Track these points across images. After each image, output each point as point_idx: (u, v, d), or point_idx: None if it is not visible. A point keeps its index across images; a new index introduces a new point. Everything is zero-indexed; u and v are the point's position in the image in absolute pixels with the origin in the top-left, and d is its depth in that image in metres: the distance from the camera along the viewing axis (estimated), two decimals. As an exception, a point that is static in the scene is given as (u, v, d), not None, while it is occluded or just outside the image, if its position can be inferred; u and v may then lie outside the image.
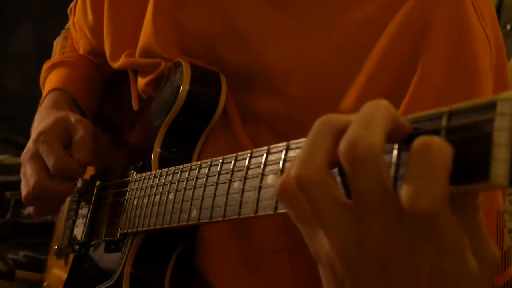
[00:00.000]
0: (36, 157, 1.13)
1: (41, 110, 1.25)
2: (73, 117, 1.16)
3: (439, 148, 0.45)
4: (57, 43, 1.46)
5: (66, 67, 1.35)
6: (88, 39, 1.28)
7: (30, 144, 1.15)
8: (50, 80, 1.33)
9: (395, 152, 0.49)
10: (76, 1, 1.35)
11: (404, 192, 0.46)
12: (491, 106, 0.43)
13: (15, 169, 2.15)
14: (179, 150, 1.00)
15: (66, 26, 1.48)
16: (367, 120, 0.48)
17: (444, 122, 0.46)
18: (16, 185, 2.01)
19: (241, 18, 0.97)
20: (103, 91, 1.36)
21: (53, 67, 1.36)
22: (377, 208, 0.48)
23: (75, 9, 1.35)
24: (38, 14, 2.86)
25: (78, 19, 1.30)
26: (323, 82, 0.90)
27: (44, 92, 1.31)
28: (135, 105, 1.17)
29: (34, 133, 1.16)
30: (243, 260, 0.96)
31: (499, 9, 1.90)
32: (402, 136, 0.49)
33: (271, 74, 0.93)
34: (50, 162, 1.10)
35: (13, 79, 2.89)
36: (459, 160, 0.44)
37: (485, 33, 0.86)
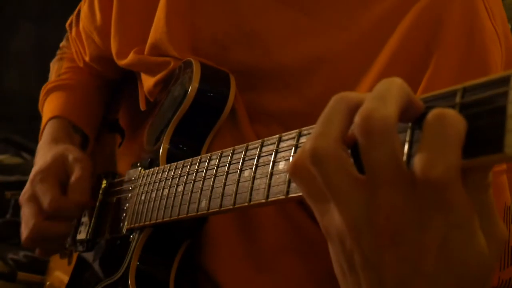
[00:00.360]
0: (33, 198, 1.14)
1: (41, 145, 1.26)
2: (71, 155, 1.17)
3: (453, 119, 0.47)
4: (53, 65, 1.46)
5: (62, 91, 1.35)
6: (96, 43, 1.28)
7: (27, 185, 1.17)
8: (48, 106, 1.34)
9: (409, 130, 0.50)
10: (78, 13, 1.35)
11: (418, 160, 0.47)
12: (505, 80, 0.44)
13: (15, 169, 2.16)
14: (187, 147, 1.01)
15: (60, 45, 1.48)
16: (381, 95, 0.49)
17: (458, 98, 0.47)
18: (16, 185, 2.02)
19: (256, 19, 0.98)
20: (105, 101, 1.37)
21: (49, 92, 1.37)
22: (388, 181, 0.49)
23: (76, 21, 1.35)
24: (38, 14, 2.86)
25: (84, 25, 1.30)
26: (338, 78, 0.91)
27: (43, 119, 1.32)
28: (142, 106, 1.18)
29: (32, 172, 1.17)
30: (249, 260, 0.97)
31: (498, 9, 1.91)
32: (415, 114, 0.50)
33: (286, 72, 0.95)
34: (45, 202, 1.11)
35: (13, 79, 2.88)
36: (473, 133, 0.45)
37: (496, 32, 0.87)
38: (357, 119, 0.49)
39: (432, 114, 0.47)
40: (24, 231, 1.14)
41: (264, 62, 0.96)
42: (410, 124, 0.50)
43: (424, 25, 0.86)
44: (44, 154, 1.21)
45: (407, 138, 0.50)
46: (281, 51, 0.95)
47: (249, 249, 0.97)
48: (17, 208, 1.92)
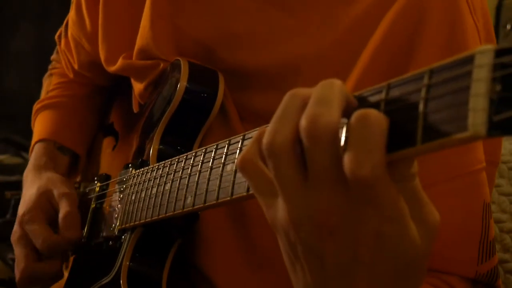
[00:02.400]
0: (23, 239, 1.15)
1: (26, 172, 1.26)
2: (56, 191, 1.16)
3: (375, 119, 0.50)
4: (44, 82, 1.45)
5: (50, 110, 1.35)
6: (86, 50, 1.28)
7: (16, 225, 1.18)
8: (36, 127, 1.34)
9: (345, 127, 0.53)
10: (66, 24, 1.35)
11: (346, 161, 0.50)
12: (469, 60, 0.44)
13: (15, 169, 2.16)
14: (178, 147, 1.01)
15: (51, 58, 1.48)
16: (326, 99, 0.52)
17: (426, 80, 0.47)
18: (16, 185, 2.02)
19: (239, 20, 0.98)
20: (100, 108, 1.37)
21: (38, 112, 1.37)
22: (329, 182, 0.53)
23: (65, 32, 1.35)
24: (38, 14, 2.87)
25: (73, 32, 1.29)
26: (324, 76, 0.90)
27: (32, 141, 1.33)
28: (135, 108, 1.17)
29: (19, 210, 1.18)
30: (244, 258, 0.97)
31: (499, 9, 1.89)
32: (350, 112, 0.53)
33: (271, 72, 0.95)
34: (37, 243, 1.11)
35: (13, 79, 2.90)
36: (438, 114, 0.45)
37: (476, 28, 0.88)
38: (303, 122, 0.52)
39: (354, 116, 0.50)
40: (17, 273, 1.15)
41: (249, 62, 0.96)
42: (346, 120, 0.52)
43: (406, 21, 0.86)
44: (29, 186, 1.21)
45: (344, 134, 0.52)
46: (266, 51, 0.95)
47: (243, 247, 0.96)
48: (17, 208, 1.93)
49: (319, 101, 0.52)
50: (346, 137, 0.52)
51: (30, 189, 1.19)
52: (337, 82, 0.54)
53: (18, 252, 1.15)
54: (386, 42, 0.87)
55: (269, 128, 0.55)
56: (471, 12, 0.87)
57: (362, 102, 0.53)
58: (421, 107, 0.46)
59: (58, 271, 1.15)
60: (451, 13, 0.86)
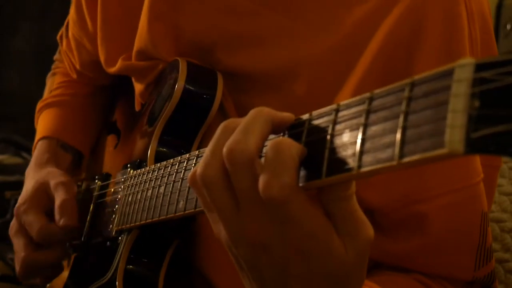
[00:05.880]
0: (21, 230, 1.14)
1: (28, 170, 1.26)
2: (53, 181, 1.15)
3: (287, 145, 0.55)
4: (47, 81, 1.45)
5: (53, 108, 1.35)
6: (87, 50, 1.27)
7: (13, 219, 1.16)
8: (39, 126, 1.34)
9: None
10: (67, 24, 1.35)
11: (259, 183, 0.55)
12: (449, 74, 0.43)
13: (15, 169, 2.16)
14: (176, 147, 1.00)
15: (54, 58, 1.47)
16: (246, 128, 0.58)
17: (406, 93, 0.47)
18: (16, 185, 2.02)
19: (239, 22, 0.97)
20: (103, 108, 1.37)
21: (41, 110, 1.36)
22: (253, 202, 0.58)
23: (66, 33, 1.35)
24: (38, 14, 2.87)
25: (74, 32, 1.29)
26: (322, 80, 0.91)
27: (35, 139, 1.32)
28: (137, 106, 1.17)
29: (17, 204, 1.17)
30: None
31: (499, 9, 1.89)
32: (286, 127, 0.60)
33: (269, 75, 0.94)
34: (33, 232, 1.10)
35: (13, 79, 2.90)
36: (417, 129, 0.45)
37: (470, 37, 0.87)
38: (224, 150, 0.57)
39: (269, 144, 0.56)
40: (17, 265, 1.14)
41: (248, 64, 0.96)
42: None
43: (405, 27, 0.86)
44: (29, 180, 1.20)
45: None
46: (265, 53, 0.94)
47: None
48: (17, 208, 1.93)
49: (240, 130, 0.58)
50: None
51: (29, 183, 1.19)
52: (264, 110, 0.59)
53: (16, 244, 1.14)
54: (386, 48, 0.86)
55: (202, 160, 0.60)
56: (468, 19, 0.86)
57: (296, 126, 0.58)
58: (400, 121, 0.45)
59: (58, 260, 1.13)
60: (450, 22, 0.85)
